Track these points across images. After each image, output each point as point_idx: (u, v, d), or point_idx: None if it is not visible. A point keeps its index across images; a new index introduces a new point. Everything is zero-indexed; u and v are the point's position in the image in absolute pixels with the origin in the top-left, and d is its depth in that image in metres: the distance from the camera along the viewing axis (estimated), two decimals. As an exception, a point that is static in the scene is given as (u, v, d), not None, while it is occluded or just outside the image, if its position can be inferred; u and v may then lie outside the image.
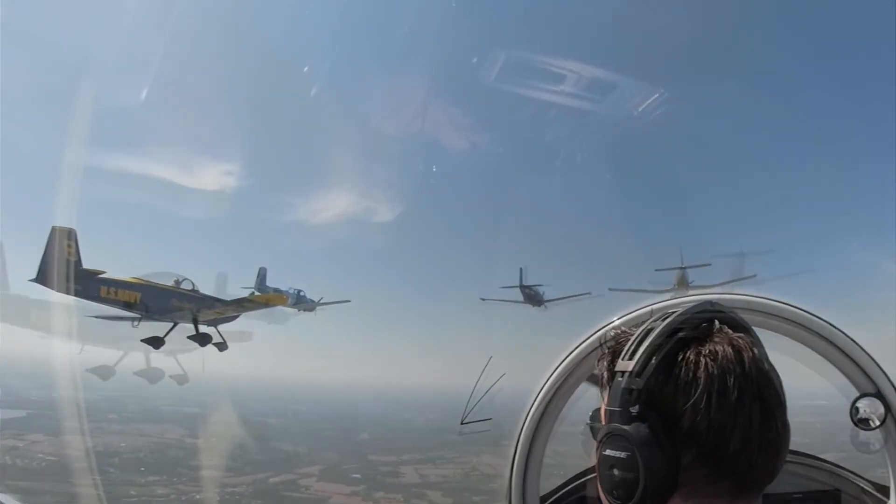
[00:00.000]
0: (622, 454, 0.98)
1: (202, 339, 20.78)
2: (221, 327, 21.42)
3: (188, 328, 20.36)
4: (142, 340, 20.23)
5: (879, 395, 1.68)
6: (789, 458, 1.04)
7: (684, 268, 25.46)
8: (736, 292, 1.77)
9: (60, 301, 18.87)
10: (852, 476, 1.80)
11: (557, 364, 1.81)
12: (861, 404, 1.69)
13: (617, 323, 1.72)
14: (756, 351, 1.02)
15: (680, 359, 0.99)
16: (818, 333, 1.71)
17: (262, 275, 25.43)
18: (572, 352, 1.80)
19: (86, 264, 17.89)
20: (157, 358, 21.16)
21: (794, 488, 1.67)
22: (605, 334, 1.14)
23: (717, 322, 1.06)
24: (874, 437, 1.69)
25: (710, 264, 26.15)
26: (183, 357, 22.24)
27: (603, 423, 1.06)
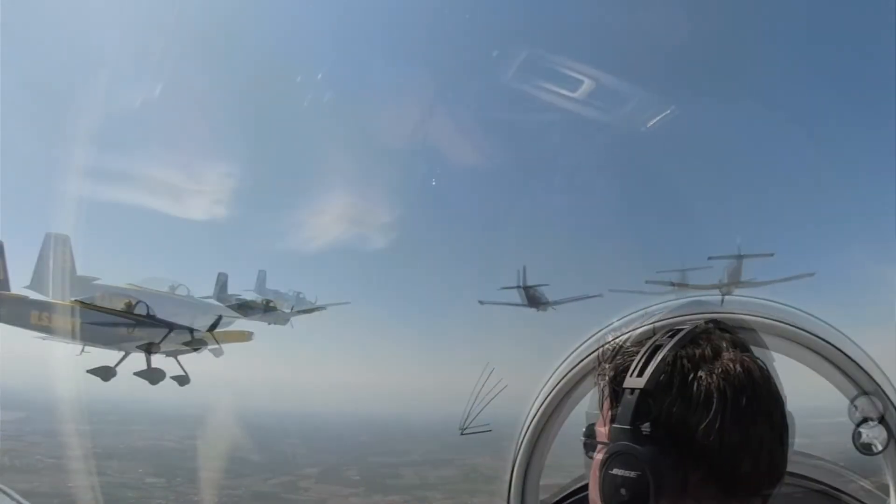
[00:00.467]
0: (632, 474, 0.97)
1: (153, 376, 17.86)
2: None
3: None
4: (88, 371, 17.55)
5: (882, 421, 1.70)
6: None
7: (741, 256, 23.21)
8: (739, 311, 1.78)
9: (62, 302, 17.06)
10: (851, 475, 1.79)
11: (556, 367, 1.81)
12: (864, 429, 1.70)
13: (616, 324, 1.72)
14: (765, 371, 1.03)
15: (692, 378, 1.00)
16: (821, 355, 1.73)
17: (221, 282, 23.87)
18: (571, 354, 1.80)
19: (80, 269, 16.45)
20: (157, 359, 18.54)
21: (793, 489, 1.66)
22: (603, 350, 1.13)
23: (724, 340, 1.07)
24: (876, 438, 1.68)
25: (773, 254, 24.84)
26: (183, 358, 19.47)
27: (605, 439, 1.05)
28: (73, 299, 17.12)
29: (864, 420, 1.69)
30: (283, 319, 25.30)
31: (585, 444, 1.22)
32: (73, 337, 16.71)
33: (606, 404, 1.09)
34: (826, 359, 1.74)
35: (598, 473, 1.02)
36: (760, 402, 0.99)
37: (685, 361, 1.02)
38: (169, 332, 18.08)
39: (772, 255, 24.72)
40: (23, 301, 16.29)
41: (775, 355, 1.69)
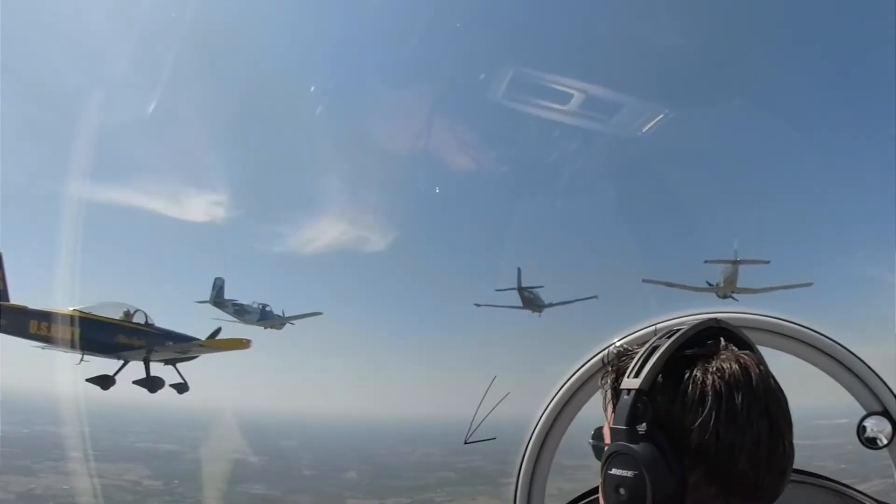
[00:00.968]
0: (629, 473, 0.98)
1: (152, 385, 18.15)
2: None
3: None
4: (87, 380, 17.77)
5: (886, 414, 1.69)
6: (791, 476, 1.04)
7: (737, 261, 22.95)
8: (740, 310, 1.79)
9: (61, 312, 17.12)
10: (856, 493, 1.78)
11: (562, 384, 1.82)
12: (868, 423, 1.70)
13: (619, 343, 1.72)
14: (763, 368, 1.03)
15: (687, 376, 1.01)
16: (824, 351, 1.73)
17: (218, 286, 23.69)
18: (577, 371, 1.81)
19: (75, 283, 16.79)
20: (156, 367, 18.68)
21: (800, 486, 1.66)
22: (608, 353, 1.15)
23: (722, 340, 1.09)
24: (881, 432, 1.69)
25: (769, 261, 24.39)
26: (182, 366, 19.56)
27: (607, 441, 1.07)
28: (72, 308, 17.37)
29: (872, 439, 1.68)
30: (279, 324, 25.24)
31: (594, 448, 1.24)
32: (73, 346, 16.90)
33: (609, 407, 1.11)
34: (833, 377, 1.74)
35: (601, 474, 1.04)
36: (757, 399, 0.98)
37: (681, 361, 1.02)
38: (167, 341, 18.37)
39: (767, 262, 24.53)
40: (22, 311, 16.40)
41: (775, 354, 1.73)
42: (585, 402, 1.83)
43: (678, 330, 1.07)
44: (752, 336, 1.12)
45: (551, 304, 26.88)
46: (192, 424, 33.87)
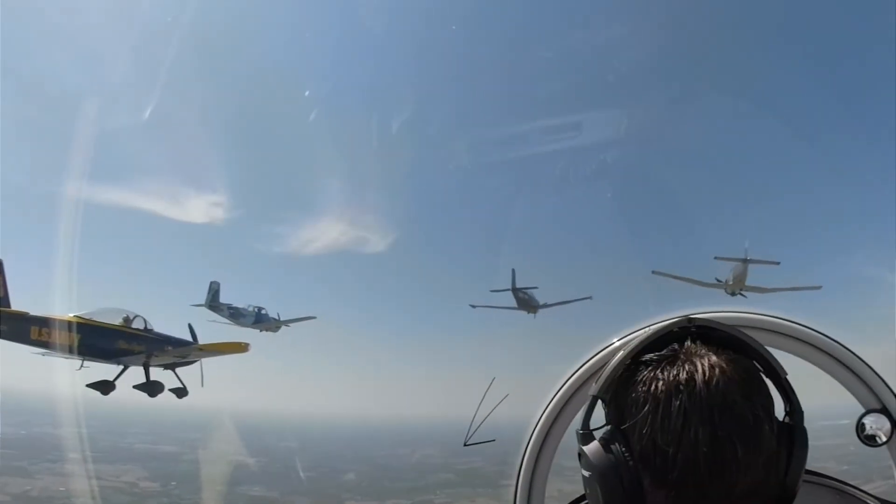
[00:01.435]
0: (587, 474, 1.04)
1: (152, 389, 18.53)
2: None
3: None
4: (87, 385, 18.18)
5: (885, 411, 1.69)
6: None
7: (747, 260, 22.78)
8: (736, 309, 1.78)
9: (61, 318, 17.46)
10: (858, 493, 1.79)
11: (561, 384, 1.82)
12: (867, 420, 1.70)
13: (617, 344, 1.73)
14: (720, 372, 0.98)
15: (637, 381, 1.02)
16: (821, 349, 1.73)
17: (213, 290, 24.03)
18: (576, 371, 1.81)
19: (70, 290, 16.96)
20: (155, 371, 19.11)
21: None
22: (606, 356, 1.20)
23: (688, 341, 1.06)
24: (880, 430, 1.69)
25: (779, 263, 24.25)
26: (182, 371, 19.98)
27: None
28: (73, 314, 17.74)
29: (871, 437, 1.69)
30: (275, 327, 25.44)
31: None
32: (73, 352, 17.21)
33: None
34: (831, 375, 1.74)
35: None
36: (699, 405, 0.95)
37: (639, 365, 1.04)
38: (166, 346, 18.70)
39: (777, 263, 24.27)
40: (23, 317, 16.70)
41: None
42: (585, 402, 1.83)
43: (650, 334, 1.08)
44: (741, 335, 1.09)
45: (546, 305, 27.26)
46: (192, 426, 33.91)
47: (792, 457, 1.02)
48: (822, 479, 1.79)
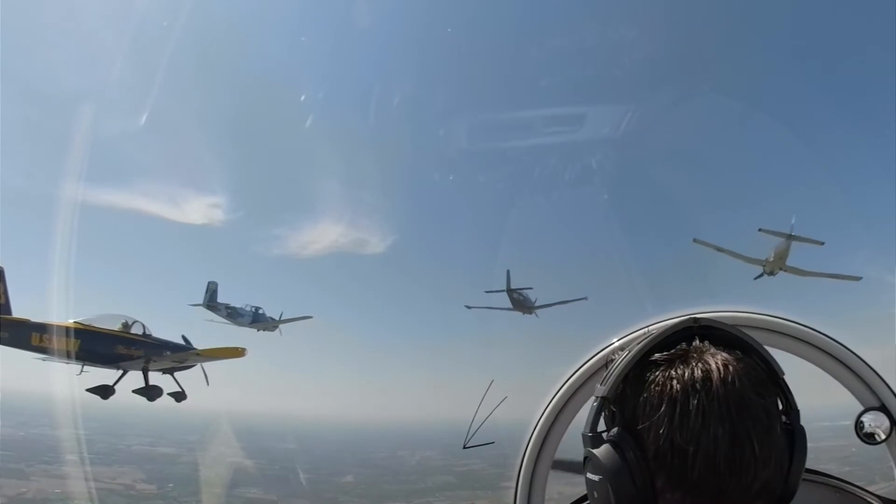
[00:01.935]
0: (596, 478, 1.02)
1: (151, 393, 19.05)
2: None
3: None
4: (87, 390, 18.64)
5: (884, 409, 1.71)
6: None
7: (792, 236, 21.57)
8: (736, 309, 1.79)
9: (61, 324, 17.87)
10: (858, 490, 1.80)
11: (560, 385, 1.83)
12: (866, 418, 1.72)
13: (617, 344, 1.73)
14: (733, 370, 1.00)
15: (648, 382, 1.02)
16: (819, 348, 1.74)
17: (211, 289, 24.39)
18: (575, 373, 1.82)
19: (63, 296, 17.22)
20: (154, 376, 19.60)
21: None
22: (605, 356, 1.19)
23: (697, 341, 1.08)
24: (879, 427, 1.70)
25: (823, 243, 22.75)
26: (180, 374, 20.50)
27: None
28: (72, 321, 18.12)
29: (870, 434, 1.70)
30: (272, 327, 25.62)
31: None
32: (73, 358, 17.57)
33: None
34: (829, 374, 1.75)
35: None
36: (717, 405, 0.96)
37: (648, 365, 1.04)
38: (165, 351, 19.11)
39: (822, 243, 22.63)
40: (24, 324, 17.03)
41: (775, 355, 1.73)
42: (584, 403, 1.84)
43: (655, 334, 1.08)
44: (743, 335, 1.10)
45: (541, 306, 27.28)
46: (191, 427, 33.88)
47: (794, 454, 1.04)
48: (822, 478, 1.80)
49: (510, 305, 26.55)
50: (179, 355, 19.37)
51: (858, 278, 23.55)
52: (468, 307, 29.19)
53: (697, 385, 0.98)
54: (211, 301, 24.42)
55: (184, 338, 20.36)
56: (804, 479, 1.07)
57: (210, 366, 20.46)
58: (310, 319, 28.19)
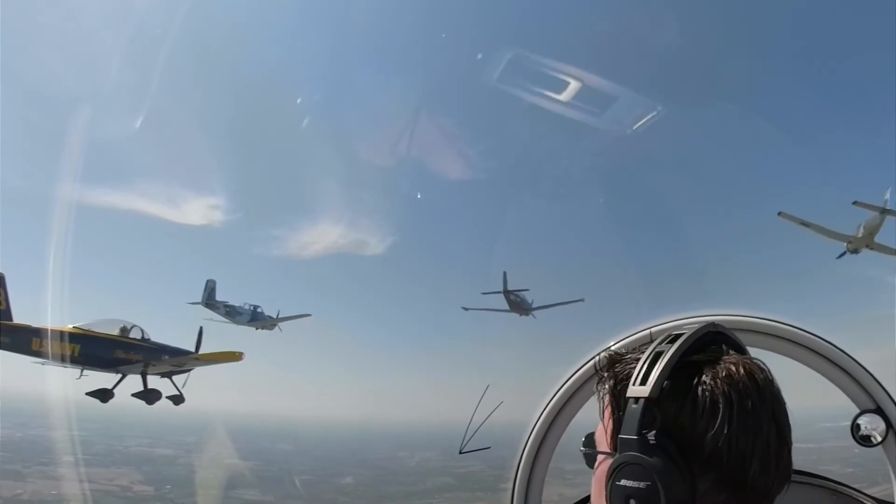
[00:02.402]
0: (641, 484, 0.97)
1: (150, 397, 19.49)
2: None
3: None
4: (87, 394, 19.07)
5: (880, 412, 1.71)
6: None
7: (886, 210, 20.27)
8: (730, 312, 1.80)
9: (60, 329, 18.16)
10: (854, 493, 1.80)
11: (558, 388, 1.83)
12: (862, 421, 1.72)
13: (615, 347, 1.73)
14: (767, 372, 1.05)
15: (695, 383, 1.00)
16: (815, 351, 1.75)
17: (210, 288, 24.65)
18: (572, 375, 1.82)
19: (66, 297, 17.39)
20: (153, 379, 20.00)
21: (799, 486, 1.68)
22: (601, 358, 1.14)
23: (723, 345, 1.10)
24: (875, 430, 1.71)
25: None
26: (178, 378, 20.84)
27: (607, 449, 1.07)
28: (72, 326, 18.49)
29: (866, 437, 1.70)
30: (270, 325, 25.72)
31: (585, 455, 1.23)
32: (73, 362, 17.94)
33: (607, 413, 1.09)
34: (825, 376, 1.76)
35: (604, 484, 1.02)
36: (765, 405, 1.00)
37: (688, 367, 1.02)
38: (163, 355, 19.54)
39: None
40: (24, 329, 17.36)
41: (775, 357, 1.74)
42: (582, 405, 1.84)
43: (679, 335, 1.06)
44: (742, 338, 1.13)
45: (538, 307, 27.21)
46: (191, 429, 33.89)
47: None
48: (818, 481, 1.80)
49: (507, 307, 26.50)
50: (178, 359, 19.77)
51: None
52: (465, 309, 29.13)
53: (748, 387, 1.00)
54: (209, 299, 24.62)
55: (200, 333, 20.71)
56: (801, 482, 1.08)
57: (210, 366, 20.63)
58: (309, 320, 28.50)
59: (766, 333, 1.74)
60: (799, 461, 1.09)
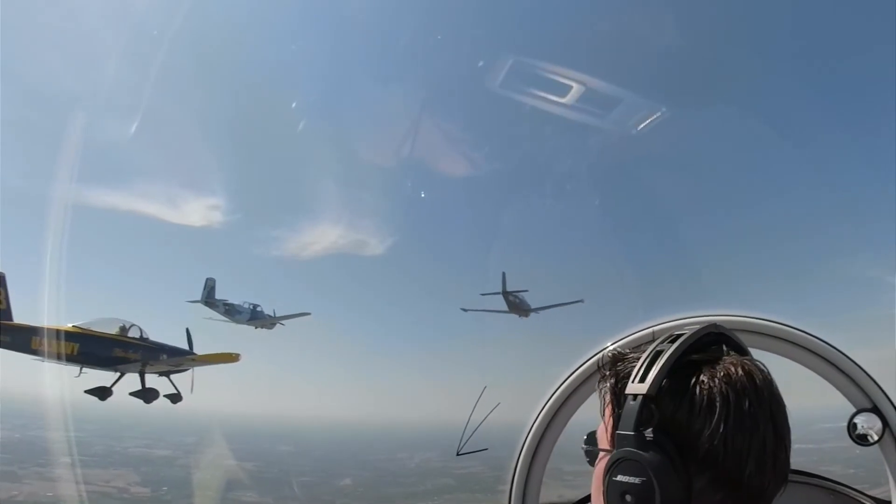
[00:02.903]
0: (636, 480, 0.98)
1: (147, 396, 19.72)
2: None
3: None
4: (86, 392, 19.23)
5: (876, 410, 1.72)
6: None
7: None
8: (727, 312, 1.80)
9: (60, 328, 18.37)
10: (853, 492, 1.81)
11: (556, 388, 1.83)
12: (859, 420, 1.73)
13: (612, 347, 1.73)
14: (765, 373, 1.06)
15: (693, 382, 1.02)
16: (812, 351, 1.76)
17: (209, 286, 24.78)
18: (571, 375, 1.82)
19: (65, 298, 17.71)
20: (151, 378, 20.21)
21: (796, 485, 1.69)
22: (603, 356, 1.15)
23: (725, 343, 1.11)
24: (871, 429, 1.71)
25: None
26: (176, 377, 21.01)
27: (607, 447, 1.08)
28: (71, 325, 18.76)
29: (862, 436, 1.71)
30: (270, 324, 25.76)
31: (586, 452, 1.25)
32: (72, 361, 18.15)
33: (608, 411, 1.11)
34: (822, 376, 1.77)
35: (602, 480, 1.04)
36: (763, 405, 1.01)
37: (686, 366, 1.03)
38: (161, 355, 19.77)
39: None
40: (24, 329, 17.62)
41: (775, 358, 1.75)
42: (580, 405, 1.85)
43: (680, 334, 1.08)
44: (742, 338, 1.14)
45: (537, 308, 27.26)
46: (190, 429, 33.91)
47: None
48: (817, 481, 1.81)
49: (506, 308, 26.53)
50: (176, 359, 19.98)
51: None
52: (464, 310, 29.17)
53: (747, 387, 1.01)
54: (209, 298, 24.71)
55: (188, 334, 20.95)
56: (800, 482, 1.08)
57: (209, 367, 20.75)
58: (309, 320, 28.65)
59: (763, 333, 1.75)
60: (799, 462, 1.09)
